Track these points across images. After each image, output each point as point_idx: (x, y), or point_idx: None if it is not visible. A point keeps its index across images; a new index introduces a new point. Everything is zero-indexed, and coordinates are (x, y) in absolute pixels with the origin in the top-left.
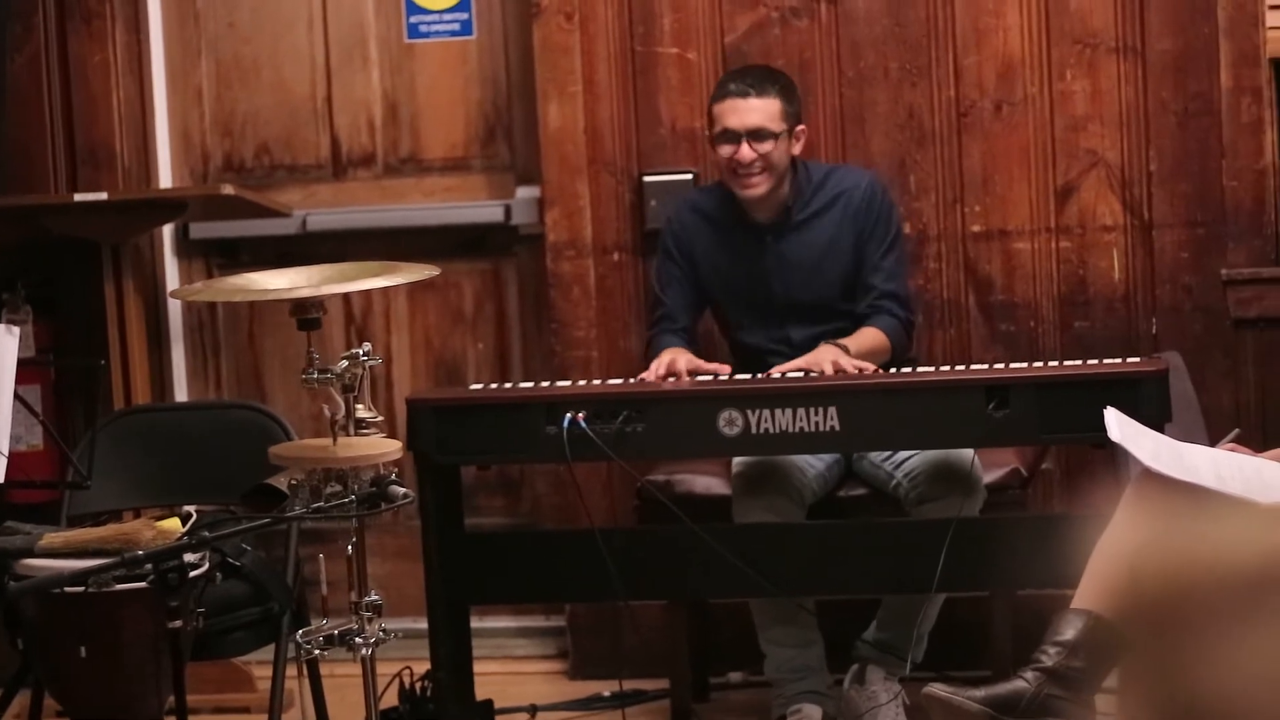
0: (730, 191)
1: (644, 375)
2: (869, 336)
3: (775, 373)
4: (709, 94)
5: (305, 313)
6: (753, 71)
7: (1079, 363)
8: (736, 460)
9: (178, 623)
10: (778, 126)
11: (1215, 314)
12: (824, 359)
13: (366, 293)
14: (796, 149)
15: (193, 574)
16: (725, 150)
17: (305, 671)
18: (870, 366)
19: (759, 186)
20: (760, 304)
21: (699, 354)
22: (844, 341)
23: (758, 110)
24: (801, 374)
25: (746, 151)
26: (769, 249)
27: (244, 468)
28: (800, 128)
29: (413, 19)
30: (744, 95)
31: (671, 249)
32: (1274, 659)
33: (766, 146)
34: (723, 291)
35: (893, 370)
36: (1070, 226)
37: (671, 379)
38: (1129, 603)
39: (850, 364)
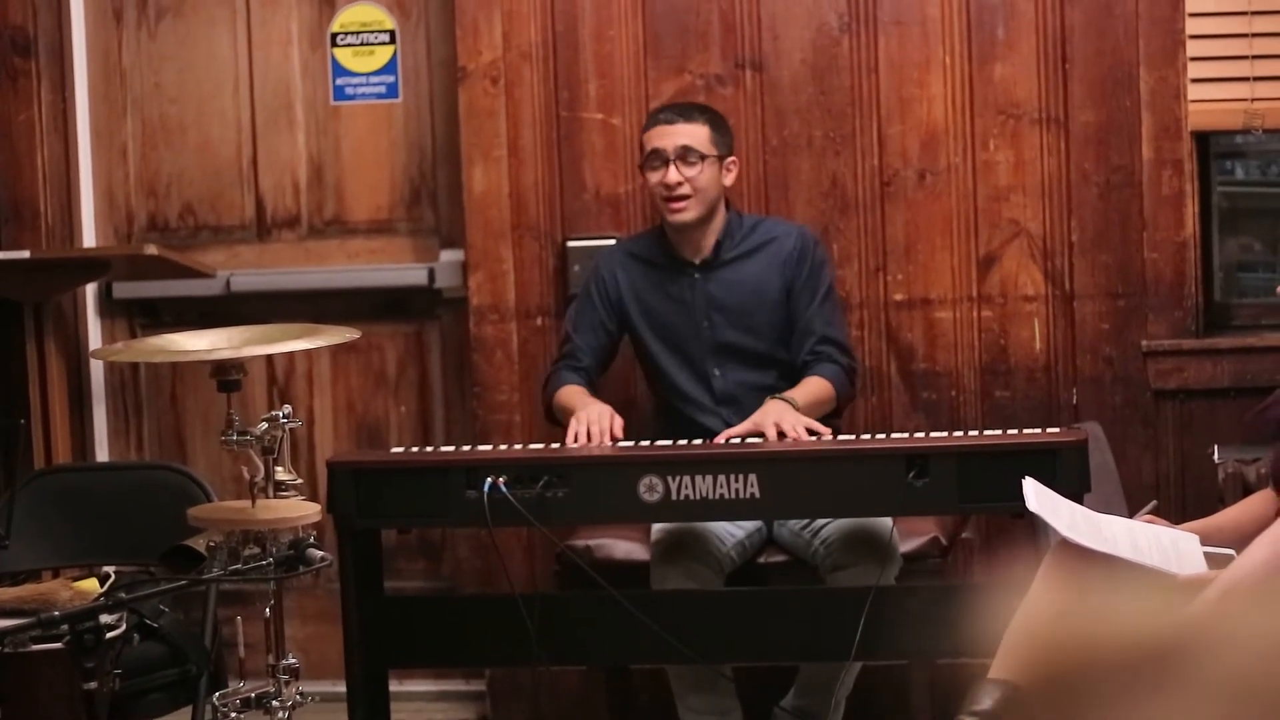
0: (664, 233)
1: (580, 429)
2: (814, 386)
3: (720, 439)
4: (633, 159)
5: (225, 374)
6: (683, 103)
7: (999, 432)
8: (655, 527)
9: (94, 684)
10: (707, 150)
11: (1135, 385)
12: (768, 420)
13: (289, 354)
14: (728, 180)
15: (109, 635)
16: (654, 176)
17: None
18: (818, 427)
19: (687, 211)
20: (684, 343)
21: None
22: (790, 394)
23: (685, 134)
24: (739, 439)
25: (673, 174)
26: (696, 286)
27: (163, 529)
28: (731, 159)
29: (339, 81)
30: (671, 122)
31: (594, 294)
32: None
33: (694, 170)
34: (649, 330)
35: (813, 439)
36: (992, 296)
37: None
38: (1045, 672)
39: (795, 426)
